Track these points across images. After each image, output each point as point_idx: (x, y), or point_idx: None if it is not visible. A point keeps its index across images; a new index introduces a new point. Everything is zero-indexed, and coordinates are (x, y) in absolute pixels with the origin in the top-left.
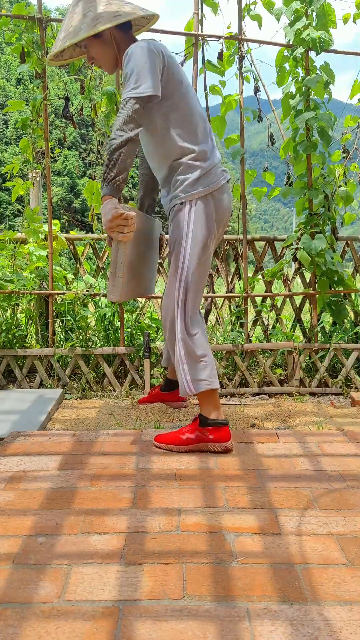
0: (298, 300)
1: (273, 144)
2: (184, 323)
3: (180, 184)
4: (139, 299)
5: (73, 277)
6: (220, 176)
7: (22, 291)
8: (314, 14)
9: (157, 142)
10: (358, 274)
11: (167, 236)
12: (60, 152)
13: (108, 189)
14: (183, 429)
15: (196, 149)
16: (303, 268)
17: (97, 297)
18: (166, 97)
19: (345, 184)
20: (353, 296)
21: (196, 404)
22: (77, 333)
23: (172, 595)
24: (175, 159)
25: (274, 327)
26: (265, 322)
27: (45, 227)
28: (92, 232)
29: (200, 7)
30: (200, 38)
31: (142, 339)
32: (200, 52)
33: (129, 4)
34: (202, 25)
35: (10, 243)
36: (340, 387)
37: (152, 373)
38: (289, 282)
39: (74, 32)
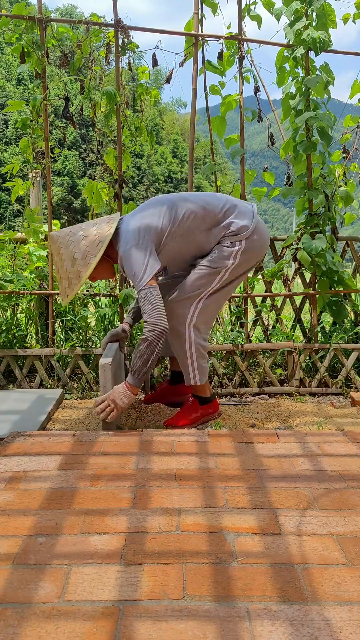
0: (298, 300)
1: (273, 144)
2: (196, 326)
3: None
4: None
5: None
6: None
7: (22, 291)
8: (314, 14)
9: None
10: (358, 274)
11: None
12: (60, 152)
13: (135, 382)
14: (186, 411)
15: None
16: (303, 268)
17: (97, 297)
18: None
19: (345, 184)
20: (353, 296)
21: None
22: (77, 333)
23: (172, 596)
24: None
25: (274, 327)
26: (265, 322)
27: (45, 227)
28: None
29: (200, 7)
30: (200, 38)
31: None
32: (200, 52)
33: (98, 223)
34: (202, 26)
35: (10, 243)
36: (340, 387)
37: (152, 373)
38: (289, 282)
39: (76, 276)
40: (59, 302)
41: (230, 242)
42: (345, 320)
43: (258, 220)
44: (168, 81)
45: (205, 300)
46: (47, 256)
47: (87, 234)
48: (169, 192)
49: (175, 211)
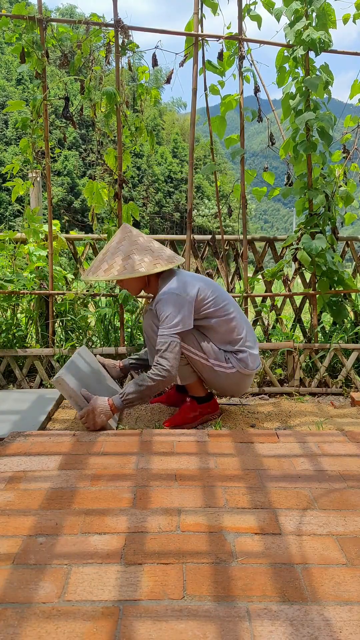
0: (298, 300)
1: (273, 144)
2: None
3: None
4: (139, 300)
5: (73, 277)
6: None
7: (22, 291)
8: (314, 14)
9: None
10: (358, 274)
11: None
12: (60, 152)
13: (120, 406)
14: (185, 410)
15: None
16: (303, 268)
17: (97, 297)
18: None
19: (346, 184)
20: (353, 296)
21: None
22: (77, 333)
23: (172, 596)
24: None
25: (274, 327)
26: (266, 322)
27: (45, 227)
28: (92, 232)
29: (200, 7)
30: (200, 38)
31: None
32: (200, 52)
33: (163, 252)
34: (202, 25)
35: (10, 243)
36: (340, 387)
37: None
38: (289, 282)
39: (118, 270)
40: (59, 302)
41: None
42: (345, 320)
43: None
44: (168, 81)
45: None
46: (47, 256)
47: (154, 249)
48: (169, 192)
49: (219, 308)
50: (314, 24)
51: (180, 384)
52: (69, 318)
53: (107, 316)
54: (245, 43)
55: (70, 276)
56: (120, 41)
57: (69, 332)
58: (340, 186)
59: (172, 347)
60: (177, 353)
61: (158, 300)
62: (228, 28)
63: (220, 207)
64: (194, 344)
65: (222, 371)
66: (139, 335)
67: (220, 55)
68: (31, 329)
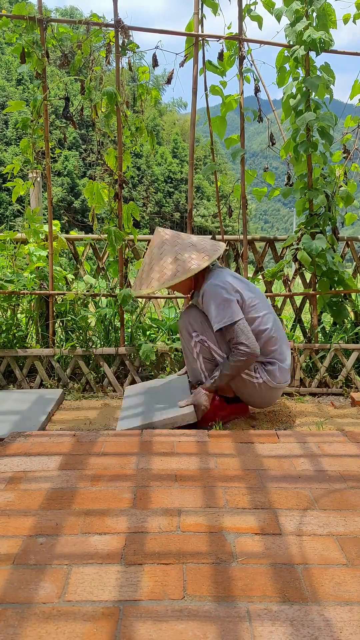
0: (298, 300)
1: (273, 144)
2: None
3: None
4: (140, 300)
5: (73, 277)
6: None
7: (22, 291)
8: (314, 14)
9: None
10: (358, 274)
11: None
12: (61, 152)
13: (212, 386)
14: (214, 409)
15: None
16: (303, 268)
17: (98, 298)
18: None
19: (346, 184)
20: (353, 296)
21: None
22: (77, 333)
23: (173, 596)
24: None
25: None
26: None
27: (46, 227)
28: (92, 232)
29: (200, 7)
30: (200, 38)
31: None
32: (200, 52)
33: (205, 243)
34: (202, 26)
35: (10, 243)
36: (341, 387)
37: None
38: (289, 283)
39: (171, 275)
40: (59, 302)
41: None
42: (346, 321)
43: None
44: (169, 81)
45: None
46: (47, 256)
47: (195, 243)
48: (169, 192)
49: (259, 316)
50: (314, 24)
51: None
52: (69, 318)
53: (107, 316)
54: (245, 43)
55: (70, 276)
56: (120, 41)
57: (69, 332)
58: (341, 186)
59: (242, 329)
60: (248, 331)
61: (204, 292)
62: (229, 28)
63: (220, 207)
64: (225, 348)
65: (249, 380)
66: (139, 335)
67: (221, 56)
68: (31, 329)
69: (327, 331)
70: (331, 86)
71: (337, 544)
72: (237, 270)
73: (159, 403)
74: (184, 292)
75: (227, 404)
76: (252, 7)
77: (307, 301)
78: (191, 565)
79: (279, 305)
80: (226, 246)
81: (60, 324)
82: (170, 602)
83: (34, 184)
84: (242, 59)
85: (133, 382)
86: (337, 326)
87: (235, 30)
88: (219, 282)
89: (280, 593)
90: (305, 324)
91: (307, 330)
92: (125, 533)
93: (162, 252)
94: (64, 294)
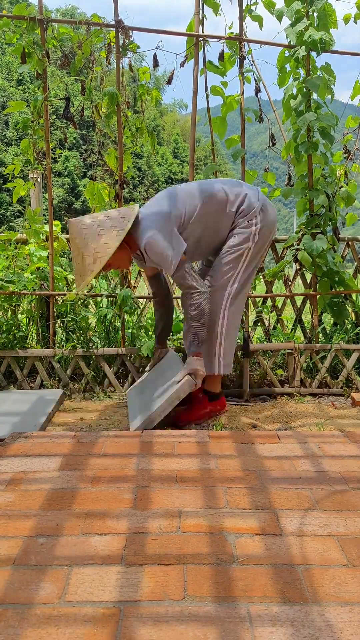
0: (299, 300)
1: (274, 144)
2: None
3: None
4: (140, 300)
5: (73, 277)
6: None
7: (22, 292)
8: (315, 14)
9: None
10: (359, 274)
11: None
12: (61, 152)
13: (197, 348)
14: (195, 407)
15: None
16: (304, 269)
17: (98, 298)
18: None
19: (347, 184)
20: (354, 297)
21: None
22: (77, 334)
23: (173, 596)
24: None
25: (274, 328)
26: (266, 323)
27: (46, 228)
28: None
29: (201, 7)
30: (201, 38)
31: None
32: (201, 52)
33: (118, 209)
34: (203, 26)
35: (11, 244)
36: (341, 387)
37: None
38: (289, 283)
39: (103, 250)
40: (59, 302)
41: (248, 222)
42: (346, 321)
43: (264, 198)
44: (169, 81)
45: (236, 285)
46: (47, 257)
47: (110, 215)
48: None
49: (190, 198)
50: (315, 25)
51: (221, 373)
52: (69, 319)
53: (107, 317)
54: (246, 43)
55: (70, 277)
56: (121, 41)
57: (70, 332)
58: (342, 187)
59: (187, 272)
60: (193, 273)
61: (144, 251)
62: (229, 28)
63: None
64: (232, 269)
65: (247, 246)
66: (140, 335)
67: (221, 56)
68: (32, 329)
69: (328, 332)
70: (332, 86)
71: (337, 545)
72: None
73: (158, 389)
74: (123, 265)
75: (210, 401)
76: (253, 8)
77: (308, 301)
78: (192, 566)
79: (280, 306)
80: None
81: (61, 325)
82: (170, 602)
83: (34, 184)
84: (242, 59)
85: (133, 382)
86: (338, 326)
87: (235, 30)
88: (149, 229)
89: (280, 593)
90: (305, 325)
91: (307, 330)
92: (125, 534)
93: (84, 237)
94: (64, 295)
